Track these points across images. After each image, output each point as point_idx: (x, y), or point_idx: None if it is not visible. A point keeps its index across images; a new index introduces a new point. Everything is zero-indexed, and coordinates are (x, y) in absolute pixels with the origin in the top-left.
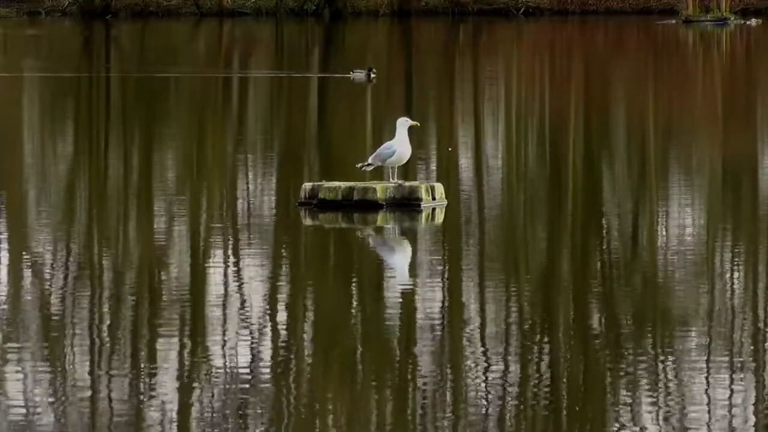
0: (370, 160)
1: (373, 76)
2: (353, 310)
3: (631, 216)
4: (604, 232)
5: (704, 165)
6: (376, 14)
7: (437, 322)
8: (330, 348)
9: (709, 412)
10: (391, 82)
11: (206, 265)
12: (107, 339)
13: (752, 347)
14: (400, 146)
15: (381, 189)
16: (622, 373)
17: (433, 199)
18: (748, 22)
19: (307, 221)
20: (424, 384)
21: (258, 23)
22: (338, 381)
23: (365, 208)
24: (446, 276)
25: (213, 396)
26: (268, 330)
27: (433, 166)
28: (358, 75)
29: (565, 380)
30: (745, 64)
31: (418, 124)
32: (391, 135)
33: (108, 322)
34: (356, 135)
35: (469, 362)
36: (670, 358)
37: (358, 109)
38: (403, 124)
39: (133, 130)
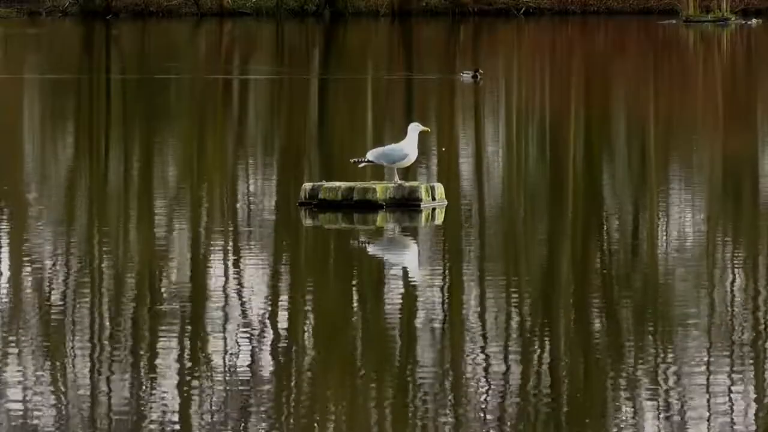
0: (372, 158)
1: (479, 77)
2: (353, 310)
3: (632, 216)
4: (605, 231)
5: (705, 165)
6: (376, 14)
7: (437, 322)
8: (330, 348)
9: (709, 412)
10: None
11: (206, 265)
12: (107, 339)
13: (753, 347)
14: (412, 150)
15: (381, 189)
16: (622, 373)
17: (433, 199)
18: (748, 23)
19: (308, 221)
20: (424, 384)
21: (258, 23)
22: (338, 381)
23: (365, 208)
24: (446, 276)
25: (213, 396)
26: (268, 330)
27: (434, 167)
28: (466, 77)
29: (565, 380)
30: (746, 64)
31: (429, 130)
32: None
33: (108, 322)
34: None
35: (469, 362)
36: (671, 358)
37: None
38: (415, 129)
39: (133, 131)
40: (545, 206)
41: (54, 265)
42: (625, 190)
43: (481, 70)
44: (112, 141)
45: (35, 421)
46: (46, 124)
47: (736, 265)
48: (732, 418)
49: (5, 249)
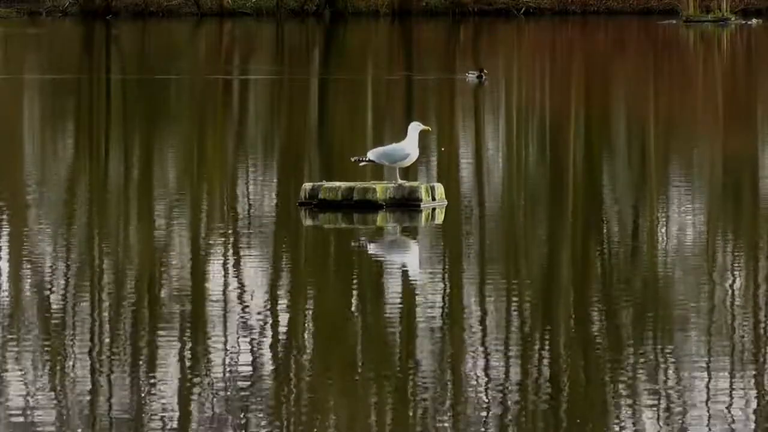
0: (373, 158)
1: (484, 77)
2: (353, 310)
3: (632, 216)
4: (605, 232)
5: (705, 165)
6: (376, 14)
7: (437, 322)
8: (330, 348)
9: (709, 412)
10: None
11: (206, 264)
12: (107, 339)
13: (753, 348)
14: (413, 150)
15: (381, 189)
16: (622, 373)
17: (433, 199)
18: (748, 23)
19: (308, 221)
20: (424, 384)
21: (258, 23)
22: (338, 381)
23: (365, 208)
24: (446, 276)
25: (213, 396)
26: (268, 330)
27: (434, 167)
28: (472, 77)
29: (565, 380)
30: (746, 64)
31: (429, 129)
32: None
33: (108, 322)
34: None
35: (469, 362)
36: (671, 358)
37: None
38: (415, 128)
39: (133, 131)
40: (545, 206)
41: (54, 265)
42: (625, 190)
43: (485, 70)
44: (112, 141)
45: (35, 421)
46: (46, 124)
47: (736, 266)
48: (732, 419)
49: (5, 249)
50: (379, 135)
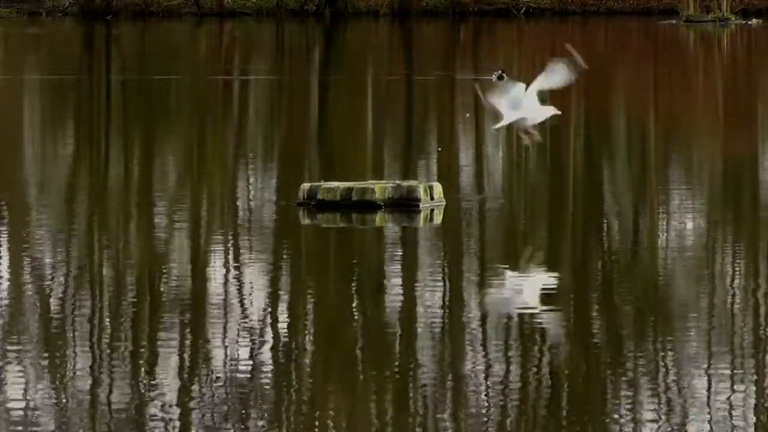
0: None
1: (505, 78)
2: (352, 311)
3: (632, 216)
4: (605, 232)
5: (705, 165)
6: (376, 14)
7: (437, 322)
8: (330, 348)
9: (709, 413)
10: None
11: (206, 265)
12: (107, 339)
13: (753, 348)
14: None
15: (379, 189)
16: (622, 374)
17: (432, 199)
18: (748, 23)
19: (306, 221)
20: (424, 384)
21: (259, 23)
22: (338, 381)
23: (364, 208)
24: (445, 276)
25: (213, 396)
26: (268, 330)
27: (433, 166)
28: (495, 77)
29: (565, 380)
30: (746, 64)
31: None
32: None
33: (108, 322)
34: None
35: (469, 362)
36: (671, 358)
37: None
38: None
39: (133, 131)
40: (545, 206)
41: (54, 265)
42: (626, 190)
43: (503, 71)
44: (112, 141)
45: (35, 421)
46: (46, 124)
47: (737, 266)
48: (732, 419)
49: (5, 250)
50: (379, 135)
